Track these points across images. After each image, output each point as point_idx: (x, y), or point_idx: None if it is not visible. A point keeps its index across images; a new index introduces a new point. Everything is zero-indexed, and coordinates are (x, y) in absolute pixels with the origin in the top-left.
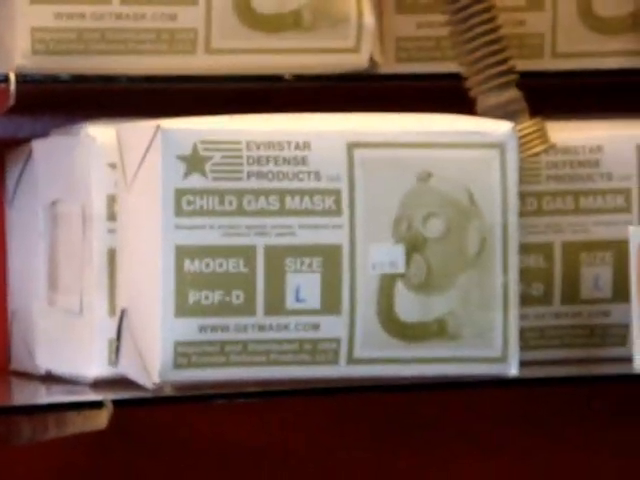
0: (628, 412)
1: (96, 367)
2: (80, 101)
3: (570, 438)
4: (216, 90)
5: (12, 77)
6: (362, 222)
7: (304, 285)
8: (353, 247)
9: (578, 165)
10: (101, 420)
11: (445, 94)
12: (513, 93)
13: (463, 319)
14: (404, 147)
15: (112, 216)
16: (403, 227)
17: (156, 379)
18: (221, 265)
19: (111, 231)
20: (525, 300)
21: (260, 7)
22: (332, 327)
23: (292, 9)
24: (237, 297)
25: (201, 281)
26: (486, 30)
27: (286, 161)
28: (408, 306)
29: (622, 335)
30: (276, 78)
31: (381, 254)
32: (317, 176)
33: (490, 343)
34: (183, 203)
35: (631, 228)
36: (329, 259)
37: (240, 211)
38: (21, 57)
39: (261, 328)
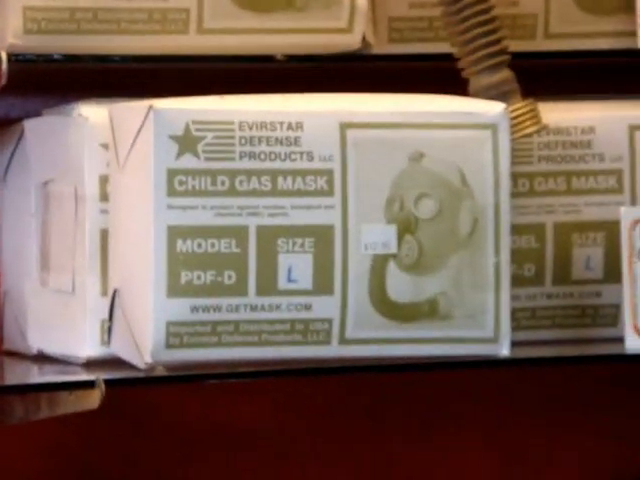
0: (619, 392)
1: (88, 347)
2: (72, 81)
3: (562, 418)
4: (208, 70)
5: (4, 56)
6: (354, 202)
7: (296, 265)
8: (345, 227)
9: (570, 146)
10: (93, 400)
11: (438, 75)
12: (506, 74)
13: (455, 299)
14: (396, 127)
15: (104, 196)
16: (395, 207)
17: (148, 359)
18: (213, 245)
19: (103, 211)
20: (517, 281)
21: None
22: (324, 307)
23: None
24: (229, 277)
25: (193, 261)
26: (479, 10)
27: (278, 141)
28: (400, 286)
29: (613, 315)
30: (268, 58)
31: (373, 234)
32: (309, 156)
33: (482, 323)
34: (175, 183)
35: (623, 209)
36: (321, 239)
37: (232, 191)
38: (13, 36)
39: (253, 308)
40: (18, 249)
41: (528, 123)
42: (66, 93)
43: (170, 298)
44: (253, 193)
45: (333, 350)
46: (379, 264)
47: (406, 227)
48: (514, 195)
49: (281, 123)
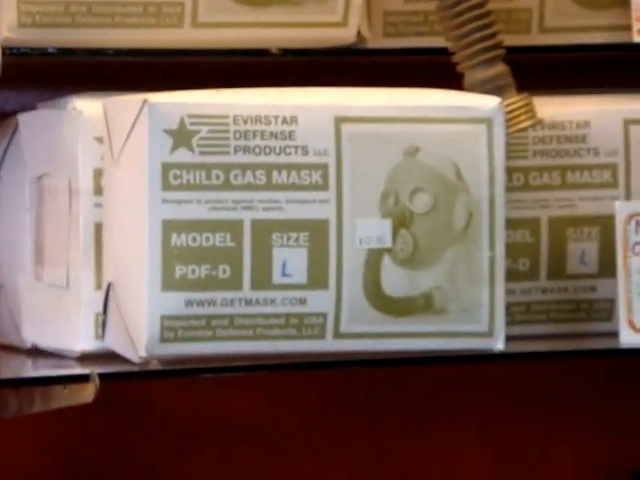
0: (614, 387)
1: (82, 341)
2: (67, 74)
3: (556, 412)
4: (203, 64)
5: None
6: (349, 197)
7: (291, 260)
8: (340, 222)
9: (565, 140)
10: (87, 394)
11: (433, 69)
12: (500, 68)
13: (449, 294)
14: (391, 122)
15: (99, 190)
16: (390, 202)
17: (142, 353)
18: (208, 239)
19: (98, 205)
20: (511, 275)
21: None
22: (319, 302)
23: None
24: (224, 271)
25: (188, 255)
26: (473, 4)
27: (273, 135)
28: (395, 281)
29: (608, 310)
30: (263, 52)
31: (368, 229)
32: (304, 150)
33: (476, 318)
34: (170, 177)
35: (617, 203)
36: (316, 234)
37: (227, 185)
38: (7, 30)
39: (248, 302)
40: (12, 243)
41: (523, 117)
42: (60, 87)
43: (165, 292)
44: (248, 187)
45: (328, 344)
46: (374, 258)
47: (401, 221)
48: (509, 189)
49: (276, 117)
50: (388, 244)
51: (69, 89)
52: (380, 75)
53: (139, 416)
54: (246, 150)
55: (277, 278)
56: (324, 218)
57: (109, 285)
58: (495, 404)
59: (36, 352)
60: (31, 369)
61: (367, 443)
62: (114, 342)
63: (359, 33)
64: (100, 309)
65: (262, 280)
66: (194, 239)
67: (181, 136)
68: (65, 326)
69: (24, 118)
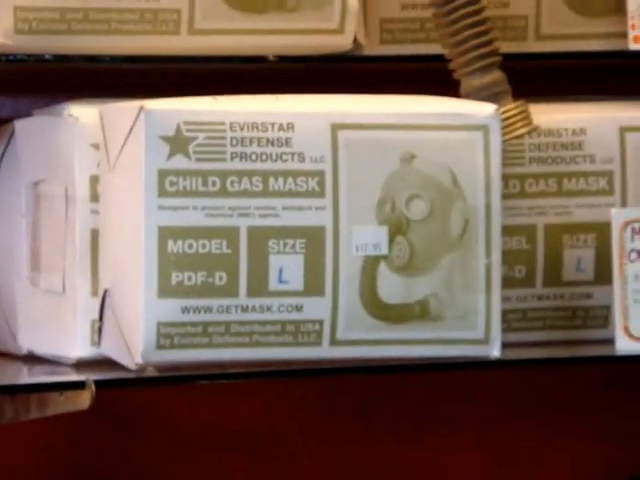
0: (610, 394)
1: (78, 347)
2: (63, 81)
3: (553, 419)
4: (200, 71)
5: None
6: (345, 204)
7: (287, 266)
8: (336, 229)
9: (561, 147)
10: (83, 401)
11: (429, 76)
12: (497, 75)
13: (446, 301)
14: (388, 129)
15: (95, 197)
16: (386, 209)
17: (139, 360)
18: (204, 246)
19: (94, 212)
20: (508, 282)
21: None
22: (315, 308)
23: None
24: (220, 278)
25: (184, 262)
26: (470, 12)
27: (270, 142)
28: (391, 288)
29: (604, 317)
30: (260, 59)
31: (364, 236)
32: (301, 157)
33: (473, 325)
34: (166, 184)
35: (613, 210)
36: (312, 241)
37: (223, 192)
38: (4, 36)
39: (244, 309)
40: (8, 249)
41: (519, 124)
42: (57, 93)
43: (161, 299)
44: (244, 194)
45: (324, 351)
46: (370, 265)
47: (397, 228)
48: (505, 196)
49: (272, 124)
50: (384, 251)
51: (65, 96)
52: (377, 82)
53: (135, 423)
54: (243, 157)
55: (273, 285)
56: (320, 225)
57: (105, 292)
58: (491, 411)
59: (32, 358)
60: (27, 376)
61: (363, 450)
62: (110, 349)
63: (355, 40)
64: (96, 316)
65: (258, 287)
66: (190, 246)
67: (177, 143)
68: (61, 333)
69: (20, 125)
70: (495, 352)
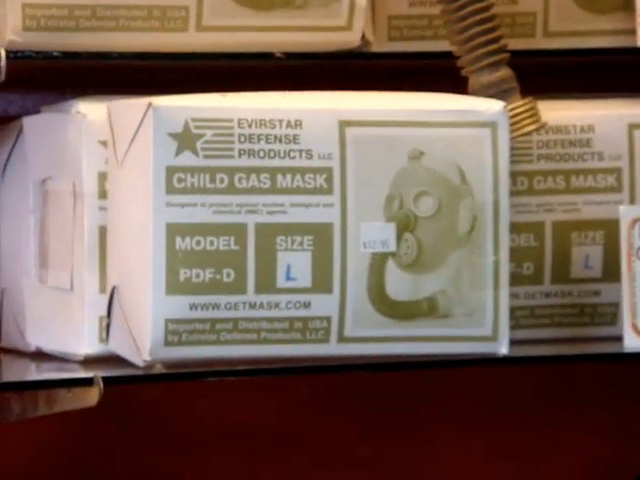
0: (618, 391)
1: (86, 344)
2: (71, 78)
3: (560, 417)
4: (207, 68)
5: (3, 53)
6: (353, 201)
7: (295, 263)
8: (344, 226)
9: (569, 144)
10: (91, 397)
11: (437, 73)
12: (505, 72)
13: (454, 298)
14: (396, 125)
15: (103, 194)
16: (394, 206)
17: (146, 357)
18: (212, 243)
19: (102, 209)
20: (515, 279)
21: None
22: (323, 305)
23: None
24: (228, 275)
25: (192, 259)
26: (478, 9)
27: (277, 139)
28: (399, 285)
29: (612, 314)
30: (268, 56)
31: (372, 233)
32: (309, 154)
33: (480, 322)
34: (174, 181)
35: (622, 207)
36: (320, 237)
37: (231, 189)
38: (12, 33)
39: (252, 306)
40: (16, 246)
41: (527, 121)
42: (65, 90)
43: (169, 296)
44: (252, 191)
45: (332, 348)
46: (378, 262)
47: (405, 225)
48: (513, 193)
49: (280, 121)
50: (392, 248)
51: (73, 92)
52: (384, 79)
53: (142, 420)
54: (250, 154)
55: (281, 282)
56: (328, 222)
57: (113, 288)
58: (499, 408)
59: (40, 355)
60: (35, 372)
61: (370, 447)
62: (118, 345)
63: (363, 37)
64: (104, 312)
65: (266, 284)
66: (198, 243)
67: (185, 140)
68: (69, 329)
69: (28, 121)
70: (503, 349)
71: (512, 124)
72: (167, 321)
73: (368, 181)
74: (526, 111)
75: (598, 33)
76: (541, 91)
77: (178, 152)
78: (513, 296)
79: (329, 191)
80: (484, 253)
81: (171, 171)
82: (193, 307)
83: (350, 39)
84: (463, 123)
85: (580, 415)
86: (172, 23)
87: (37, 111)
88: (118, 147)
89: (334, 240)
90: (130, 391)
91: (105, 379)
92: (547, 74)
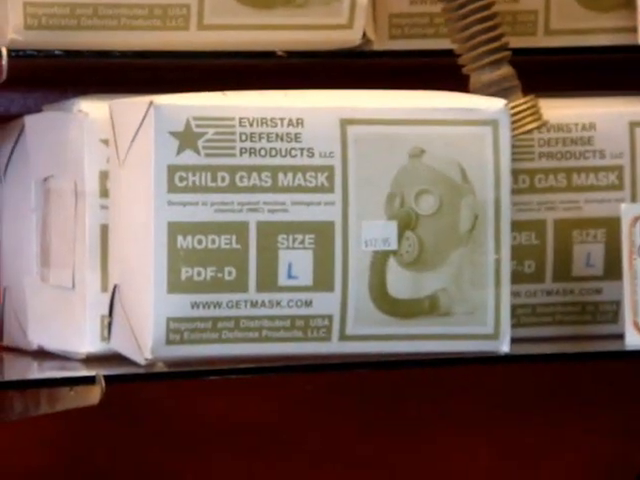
0: (619, 389)
1: (88, 343)
2: (73, 76)
3: (561, 415)
4: (209, 66)
5: (4, 52)
6: (355, 199)
7: (296, 262)
8: (345, 224)
9: (571, 142)
10: (93, 396)
11: (438, 71)
12: (506, 70)
13: (455, 296)
14: (397, 124)
15: (104, 192)
16: (396, 204)
17: (148, 355)
18: (213, 241)
19: (103, 207)
20: (517, 277)
21: None
22: (324, 304)
23: None
24: (229, 273)
25: (193, 257)
26: (479, 7)
27: (279, 137)
28: (400, 283)
29: (614, 312)
30: (269, 54)
31: (373, 231)
32: (310, 153)
33: (482, 320)
34: (176, 179)
35: (623, 206)
36: (321, 236)
37: (232, 187)
38: (13, 32)
39: (253, 304)
40: (18, 245)
41: (529, 119)
42: (66, 89)
43: (170, 294)
44: (253, 189)
45: (333, 346)
46: (379, 260)
47: (406, 223)
48: (514, 191)
49: (281, 119)
50: (393, 246)
51: (75, 91)
52: (385, 77)
53: (144, 418)
54: (252, 152)
55: (283, 280)
56: (330, 220)
57: (115, 287)
58: (500, 406)
59: (42, 354)
60: (37, 371)
61: (372, 445)
62: (120, 344)
63: (364, 35)
64: (106, 311)
65: (268, 282)
66: (200, 241)
67: (187, 138)
68: (71, 328)
69: (30, 120)
70: (504, 347)
71: (513, 122)
72: (169, 319)
73: (369, 179)
74: (527, 109)
75: (599, 31)
76: (542, 89)
77: (179, 151)
78: (514, 294)
79: (330, 189)
80: (485, 251)
81: (172, 170)
82: (195, 305)
83: (351, 37)
84: (464, 121)
85: (581, 414)
86: (173, 22)
87: (39, 110)
88: (119, 146)
89: (335, 238)
90: (132, 390)
91: (107, 378)
92: (548, 72)
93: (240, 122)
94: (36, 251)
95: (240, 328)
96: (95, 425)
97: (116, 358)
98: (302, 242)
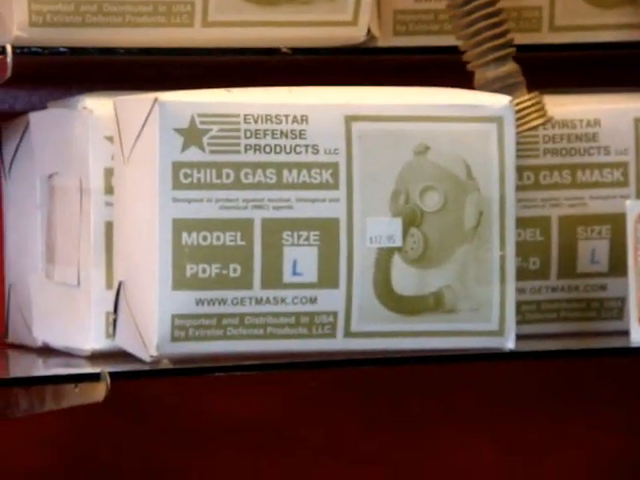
0: (624, 385)
1: (93, 340)
2: (77, 73)
3: (566, 411)
4: (213, 63)
5: (9, 49)
6: (359, 195)
7: (301, 258)
8: (350, 221)
9: (575, 139)
10: (98, 393)
11: (443, 67)
12: (511, 66)
13: (460, 293)
14: (402, 120)
15: (109, 189)
16: (400, 200)
17: (153, 352)
18: (218, 238)
19: (108, 204)
20: (522, 274)
21: None
22: (329, 300)
23: None
24: (234, 270)
25: (198, 254)
26: (484, 3)
27: (284, 134)
28: (405, 280)
29: (618, 308)
30: (273, 51)
31: (378, 228)
32: (315, 149)
33: (487, 317)
34: (180, 176)
35: (628, 202)
36: (326, 232)
37: (237, 184)
38: (18, 29)
39: (258, 301)
40: (23, 242)
41: (533, 116)
42: (71, 86)
43: (175, 291)
44: (258, 186)
45: (338, 343)
46: (384, 257)
47: (411, 220)
48: (519, 188)
49: (286, 116)
50: (398, 243)
51: (80, 88)
52: (390, 74)
53: (149, 415)
54: (257, 149)
55: (287, 277)
56: (334, 217)
57: (120, 284)
58: (505, 402)
59: (47, 351)
60: (42, 368)
61: (376, 441)
62: (125, 341)
63: (369, 32)
64: (111, 308)
65: (272, 279)
66: (205, 238)
67: (192, 135)
68: (76, 325)
69: (35, 117)
70: (509, 344)
71: (518, 119)
72: (174, 316)
73: (374, 176)
74: (532, 105)
75: (604, 27)
76: (547, 85)
77: (184, 147)
78: (519, 291)
79: (335, 186)
80: (490, 248)
81: (177, 166)
82: (199, 302)
83: (356, 34)
84: (469, 118)
85: (585, 410)
86: (178, 18)
87: (43, 107)
88: (124, 143)
89: (340, 235)
90: (137, 386)
91: (112, 374)
92: (553, 68)
93: (245, 119)
94: (41, 248)
95: (245, 325)
96: (100, 422)
97: (121, 355)
98: (307, 239)
